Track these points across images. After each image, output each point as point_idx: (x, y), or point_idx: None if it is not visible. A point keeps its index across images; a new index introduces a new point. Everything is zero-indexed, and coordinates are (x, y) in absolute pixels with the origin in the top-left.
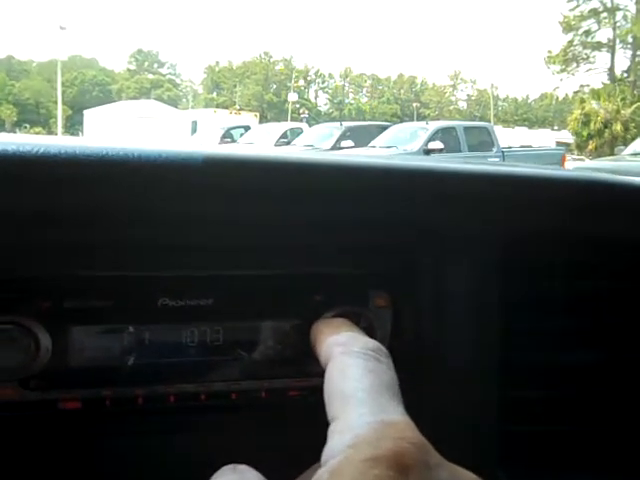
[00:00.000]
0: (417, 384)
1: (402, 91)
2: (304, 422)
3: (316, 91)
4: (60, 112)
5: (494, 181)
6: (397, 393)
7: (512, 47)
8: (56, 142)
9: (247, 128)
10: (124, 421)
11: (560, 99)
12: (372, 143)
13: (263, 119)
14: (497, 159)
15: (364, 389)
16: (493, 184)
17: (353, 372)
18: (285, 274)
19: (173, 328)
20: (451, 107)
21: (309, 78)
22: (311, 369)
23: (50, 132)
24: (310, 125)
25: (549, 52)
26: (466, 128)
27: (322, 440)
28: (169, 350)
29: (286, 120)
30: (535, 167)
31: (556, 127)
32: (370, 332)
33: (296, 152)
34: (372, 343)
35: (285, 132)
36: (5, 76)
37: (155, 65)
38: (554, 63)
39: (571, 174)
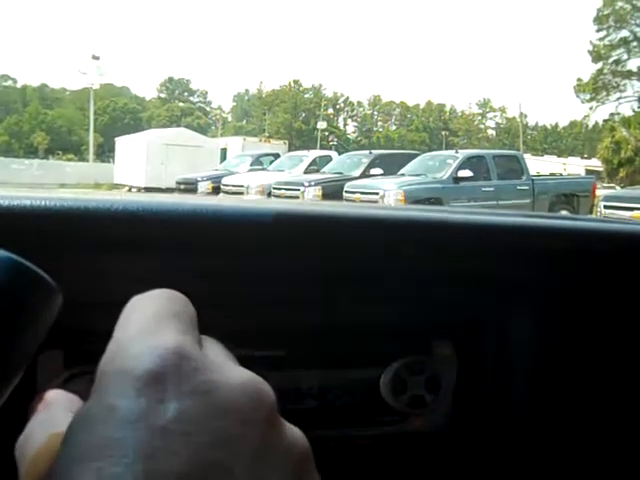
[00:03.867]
0: (481, 432)
1: (431, 119)
2: (372, 470)
3: (345, 119)
4: (92, 140)
5: (559, 235)
6: (187, 322)
7: (542, 75)
8: (113, 198)
9: (276, 156)
10: None
11: (590, 127)
12: (401, 171)
13: (292, 147)
14: (526, 187)
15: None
16: (558, 238)
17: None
18: (352, 325)
19: None
20: (480, 135)
21: (338, 106)
22: (379, 418)
23: (82, 159)
24: (339, 153)
25: (579, 80)
26: (495, 156)
27: None
28: None
29: (315, 148)
30: (592, 220)
31: (585, 155)
32: (434, 381)
33: (366, 207)
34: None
35: (314, 160)
36: (38, 104)
37: (185, 93)
38: (584, 91)
39: (622, 227)
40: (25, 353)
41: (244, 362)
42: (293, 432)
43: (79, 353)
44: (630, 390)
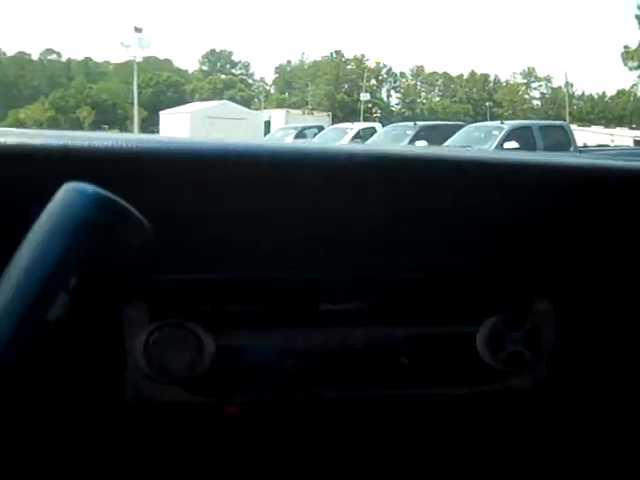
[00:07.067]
0: (580, 387)
1: (474, 90)
2: (468, 429)
3: (388, 90)
4: (136, 113)
5: None
6: None
7: (588, 43)
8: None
9: (320, 128)
10: (285, 425)
11: (638, 96)
12: (446, 143)
13: (335, 119)
14: None
15: None
16: None
17: None
18: (445, 277)
19: (333, 332)
20: (525, 106)
21: (381, 77)
22: (475, 376)
23: (127, 132)
24: (383, 125)
25: (626, 48)
26: (542, 127)
27: (491, 449)
28: (329, 355)
29: (358, 120)
30: None
31: (634, 125)
32: (534, 336)
33: (457, 151)
34: None
35: (358, 132)
36: (83, 79)
37: (228, 65)
38: (632, 59)
39: None
40: (117, 283)
41: (329, 316)
42: None
43: (166, 304)
44: None
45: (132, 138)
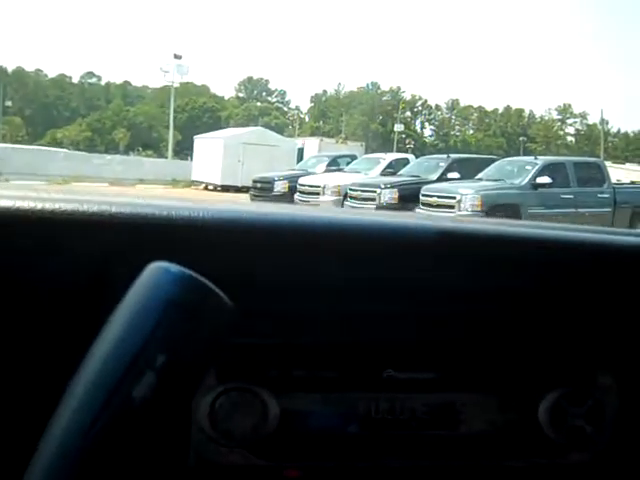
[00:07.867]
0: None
1: (509, 124)
2: None
3: (422, 122)
4: (171, 137)
5: None
6: None
7: (624, 80)
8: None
9: (353, 157)
10: None
11: None
12: (479, 175)
13: (368, 149)
14: (607, 196)
15: None
16: None
17: None
18: (508, 349)
19: (398, 400)
20: (559, 142)
21: (416, 109)
22: (536, 449)
23: (161, 156)
24: (416, 156)
25: None
26: (576, 164)
27: None
28: (395, 422)
29: (391, 150)
30: None
31: None
32: (598, 411)
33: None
34: None
35: (391, 162)
36: (121, 101)
37: (264, 93)
38: None
39: None
40: (200, 362)
41: (394, 383)
42: None
43: (232, 368)
44: None
45: (212, 208)
